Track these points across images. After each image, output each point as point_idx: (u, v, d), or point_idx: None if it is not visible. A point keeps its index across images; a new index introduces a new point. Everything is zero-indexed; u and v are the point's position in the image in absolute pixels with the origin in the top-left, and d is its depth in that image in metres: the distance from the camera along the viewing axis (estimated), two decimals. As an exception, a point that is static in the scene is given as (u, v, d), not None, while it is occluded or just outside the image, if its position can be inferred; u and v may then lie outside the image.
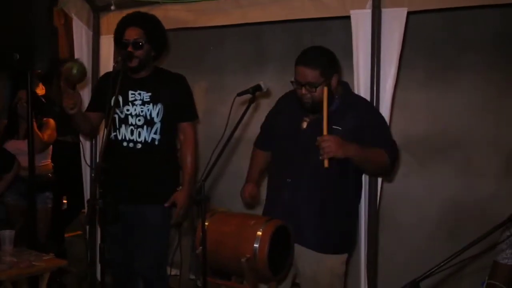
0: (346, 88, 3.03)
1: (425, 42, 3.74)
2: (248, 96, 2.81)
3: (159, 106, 3.36)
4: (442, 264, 2.04)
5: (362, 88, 3.13)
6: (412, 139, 3.81)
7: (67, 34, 5.45)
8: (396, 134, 3.59)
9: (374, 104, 3.05)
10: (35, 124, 4.48)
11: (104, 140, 2.88)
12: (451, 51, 3.69)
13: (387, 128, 3.01)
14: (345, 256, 3.01)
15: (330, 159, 2.65)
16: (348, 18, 3.21)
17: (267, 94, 3.32)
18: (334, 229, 2.92)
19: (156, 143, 3.38)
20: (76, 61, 3.17)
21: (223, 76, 4.72)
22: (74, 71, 3.04)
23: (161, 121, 3.38)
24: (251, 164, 3.32)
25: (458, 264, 2.10)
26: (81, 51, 4.34)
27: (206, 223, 2.56)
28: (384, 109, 3.06)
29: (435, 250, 3.45)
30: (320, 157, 2.65)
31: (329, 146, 2.63)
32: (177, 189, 3.44)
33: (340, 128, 2.83)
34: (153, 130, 3.37)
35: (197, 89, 4.88)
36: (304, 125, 2.97)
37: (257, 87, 2.84)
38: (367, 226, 3.15)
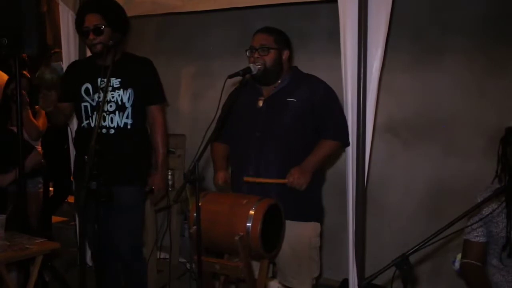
0: (296, 69, 3.28)
1: (411, 25, 3.81)
2: (238, 78, 2.90)
3: (130, 91, 3.41)
4: (429, 238, 2.12)
5: (349, 70, 3.18)
6: (397, 120, 3.90)
7: (50, 22, 5.43)
8: (382, 115, 3.71)
9: (361, 86, 3.11)
10: (30, 113, 4.51)
11: (95, 124, 2.92)
12: (436, 34, 3.76)
13: (337, 107, 3.18)
14: (318, 226, 3.18)
15: (292, 137, 3.01)
16: (335, 2, 3.26)
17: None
18: (302, 197, 3.04)
19: (129, 127, 3.43)
20: (50, 67, 3.18)
21: (210, 61, 4.75)
22: (47, 76, 3.08)
23: (132, 106, 3.42)
24: (214, 156, 3.39)
25: (444, 238, 2.19)
26: (68, 36, 4.33)
27: (199, 203, 2.60)
28: (371, 91, 3.12)
29: (419, 229, 3.54)
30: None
31: (298, 183, 2.97)
32: (151, 172, 3.51)
33: (295, 100, 3.07)
34: (125, 115, 3.42)
35: (185, 74, 4.93)
36: (260, 103, 3.14)
37: (248, 70, 2.96)
38: (354, 205, 3.21)
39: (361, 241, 3.19)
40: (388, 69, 3.45)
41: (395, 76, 3.79)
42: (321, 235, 3.20)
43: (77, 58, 4.28)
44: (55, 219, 5.63)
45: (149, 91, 3.49)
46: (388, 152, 3.92)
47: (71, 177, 3.87)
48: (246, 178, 3.03)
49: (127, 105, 3.41)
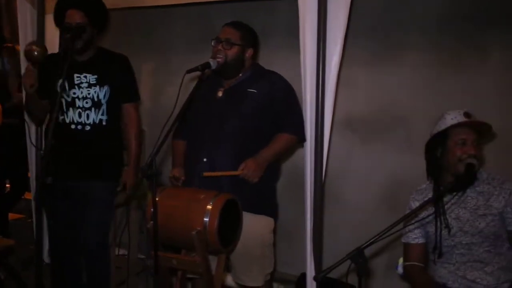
0: (258, 65, 3.32)
1: (370, 21, 3.84)
2: (197, 73, 2.90)
3: (106, 88, 3.40)
4: (383, 232, 2.17)
5: (308, 66, 3.18)
6: (355, 117, 3.94)
7: (9, 15, 5.33)
8: (341, 112, 3.73)
9: (320, 82, 3.13)
10: None
11: (52, 120, 2.90)
12: (395, 31, 3.80)
13: (295, 102, 3.21)
14: (271, 222, 3.20)
15: (249, 128, 3.05)
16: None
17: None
18: (256, 190, 3.06)
19: (104, 123, 3.43)
20: (37, 43, 3.15)
21: (170, 56, 4.72)
22: (35, 53, 3.05)
23: (107, 102, 3.42)
24: (174, 153, 3.39)
25: (397, 232, 2.23)
26: (26, 31, 4.23)
27: (157, 198, 2.60)
28: (329, 87, 3.13)
29: (377, 223, 3.53)
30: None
31: (252, 175, 2.99)
32: (123, 168, 3.51)
33: (255, 91, 3.11)
34: (100, 111, 3.42)
35: (144, 69, 4.89)
36: (220, 93, 3.17)
37: (206, 65, 2.98)
38: (312, 200, 3.22)
39: (318, 236, 3.21)
40: (347, 65, 3.47)
41: (354, 72, 3.82)
42: (276, 230, 3.22)
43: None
44: (12, 216, 5.53)
45: (125, 88, 3.50)
46: (347, 148, 3.96)
47: (29, 174, 3.83)
48: (205, 174, 3.02)
49: (103, 101, 3.41)
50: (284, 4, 3.94)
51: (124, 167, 3.55)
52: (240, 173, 2.98)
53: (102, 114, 3.42)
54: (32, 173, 4.34)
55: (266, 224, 3.17)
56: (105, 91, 3.40)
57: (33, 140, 4.16)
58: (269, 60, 3.63)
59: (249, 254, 3.09)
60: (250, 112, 3.09)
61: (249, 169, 2.98)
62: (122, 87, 3.47)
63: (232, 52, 3.10)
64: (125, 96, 3.52)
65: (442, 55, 3.64)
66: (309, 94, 3.16)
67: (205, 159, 3.08)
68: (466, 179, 2.49)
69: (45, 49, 3.25)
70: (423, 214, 2.67)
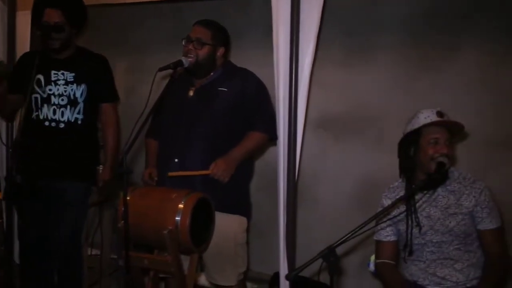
0: (229, 62, 3.32)
1: (343, 21, 3.85)
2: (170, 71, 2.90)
3: (83, 86, 3.39)
4: (354, 231, 2.19)
5: (281, 65, 3.17)
6: (329, 116, 3.94)
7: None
8: (314, 111, 3.74)
9: (293, 82, 3.13)
10: None
11: (22, 117, 2.86)
12: (368, 31, 3.81)
13: (267, 100, 3.22)
14: (244, 221, 3.20)
15: (220, 127, 3.05)
16: (269, -5, 3.27)
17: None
18: (228, 189, 3.05)
19: (79, 122, 3.41)
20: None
21: (143, 54, 4.69)
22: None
23: (84, 101, 3.40)
24: (147, 152, 3.39)
25: (370, 230, 2.24)
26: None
27: (128, 197, 2.57)
28: (302, 87, 3.13)
29: (350, 222, 3.55)
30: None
31: (222, 174, 2.98)
32: (98, 168, 3.48)
33: (226, 90, 3.11)
34: (76, 110, 3.39)
35: (117, 68, 4.82)
36: (191, 93, 3.16)
37: (179, 63, 2.98)
38: (285, 199, 3.22)
39: (291, 235, 3.21)
40: (320, 65, 3.49)
41: (327, 71, 3.83)
42: (249, 229, 3.23)
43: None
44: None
45: (103, 88, 3.49)
46: (320, 147, 3.97)
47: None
48: (170, 174, 3.01)
49: (80, 100, 3.39)
50: (258, 2, 3.94)
51: (99, 166, 3.52)
52: (209, 172, 2.97)
53: (78, 113, 3.39)
54: (1, 172, 4.28)
55: (239, 223, 3.17)
56: (82, 89, 3.38)
57: (3, 138, 4.10)
58: (243, 59, 3.61)
59: (222, 253, 3.08)
60: (221, 111, 3.08)
61: (218, 169, 2.97)
62: (100, 86, 3.46)
63: (203, 51, 3.09)
64: (103, 96, 3.50)
65: (414, 54, 3.67)
66: (282, 93, 3.15)
67: (176, 159, 3.07)
68: (437, 177, 2.51)
69: (6, 67, 3.23)
70: (395, 212, 2.69)
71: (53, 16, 3.27)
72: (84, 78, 3.39)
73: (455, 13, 3.55)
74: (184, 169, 3.03)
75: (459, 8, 3.54)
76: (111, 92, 3.57)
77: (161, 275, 3.11)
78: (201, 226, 2.81)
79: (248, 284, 3.94)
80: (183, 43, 3.12)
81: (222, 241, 3.05)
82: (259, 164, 3.83)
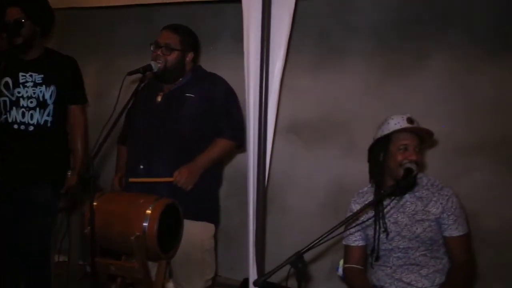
0: (199, 67, 3.28)
1: (314, 28, 3.86)
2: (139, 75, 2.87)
3: (52, 88, 3.34)
4: (322, 237, 2.17)
5: (252, 70, 3.18)
6: (299, 122, 3.95)
7: None
8: (284, 117, 3.74)
9: (263, 87, 3.12)
10: None
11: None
12: (339, 36, 3.84)
13: (235, 106, 3.18)
14: (211, 227, 3.17)
15: (187, 133, 3.02)
16: (240, 1, 3.25)
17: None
18: (195, 196, 3.03)
19: (49, 125, 3.36)
20: None
21: (115, 58, 4.65)
22: None
23: (54, 103, 3.36)
24: (118, 158, 3.37)
25: (338, 236, 2.24)
26: None
27: (95, 203, 2.55)
28: (273, 92, 3.13)
29: (320, 228, 3.55)
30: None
31: (185, 182, 2.95)
32: (68, 173, 3.42)
33: (193, 95, 3.07)
34: (46, 112, 3.35)
35: (87, 72, 4.77)
36: (159, 98, 3.13)
37: (148, 67, 2.95)
38: (255, 206, 3.21)
39: (261, 241, 3.20)
40: (291, 70, 3.50)
41: (298, 77, 3.84)
42: (217, 236, 3.21)
43: None
44: None
45: (72, 90, 3.44)
46: (291, 152, 3.97)
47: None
48: (131, 180, 2.98)
49: (49, 102, 3.34)
50: (230, 8, 3.92)
51: (69, 170, 3.46)
52: (171, 180, 2.94)
53: (48, 115, 3.35)
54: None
55: (206, 229, 3.14)
56: (52, 91, 3.34)
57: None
58: (215, 64, 3.61)
59: (189, 260, 3.05)
60: (188, 117, 3.05)
61: (182, 176, 2.95)
62: (69, 88, 3.42)
63: (172, 57, 3.06)
64: (72, 97, 3.46)
65: (385, 61, 3.70)
66: (253, 98, 3.16)
67: (141, 166, 3.04)
68: (405, 183, 2.51)
69: None
70: (364, 217, 2.69)
71: (13, 13, 3.25)
72: (53, 79, 3.35)
73: (425, 20, 3.59)
74: (149, 175, 3.00)
75: (429, 15, 3.58)
76: (80, 94, 3.52)
77: (128, 282, 3.07)
78: (169, 232, 2.78)
79: (218, 290, 3.92)
80: (152, 48, 3.09)
81: (189, 248, 3.01)
82: (229, 170, 3.82)
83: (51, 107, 3.35)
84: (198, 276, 3.10)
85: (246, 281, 3.46)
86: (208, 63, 3.46)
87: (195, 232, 3.03)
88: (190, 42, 3.16)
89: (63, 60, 3.46)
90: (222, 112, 3.10)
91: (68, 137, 3.52)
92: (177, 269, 3.11)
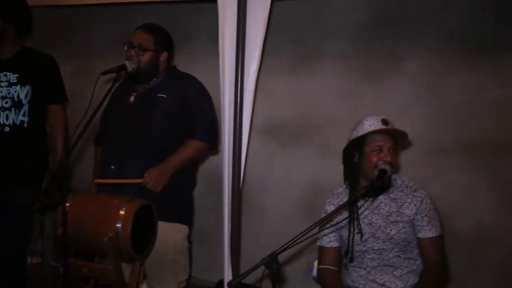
0: (174, 68, 3.26)
1: (290, 29, 3.88)
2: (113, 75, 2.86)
3: (28, 87, 3.27)
4: (296, 238, 2.17)
5: (227, 71, 3.17)
6: (275, 123, 3.97)
7: None
8: (260, 118, 3.74)
9: (239, 88, 3.12)
10: None
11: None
12: (315, 38, 3.85)
13: (208, 107, 3.16)
14: (185, 229, 3.15)
15: (159, 134, 3.00)
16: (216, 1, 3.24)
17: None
18: (168, 197, 3.01)
19: (25, 125, 3.29)
20: None
21: (91, 58, 4.61)
22: None
23: (30, 103, 3.29)
24: (95, 161, 3.34)
25: (313, 237, 2.24)
26: None
27: (68, 204, 2.52)
28: (248, 93, 3.13)
29: (296, 229, 3.57)
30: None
31: (154, 184, 2.93)
32: (47, 173, 3.37)
33: (165, 96, 3.05)
34: (21, 112, 3.28)
35: (63, 71, 4.72)
36: (132, 98, 3.11)
37: (122, 67, 2.94)
38: (230, 207, 3.20)
39: (236, 242, 3.20)
40: (267, 72, 3.50)
41: (274, 78, 3.86)
42: (190, 237, 3.20)
43: None
44: None
45: (49, 89, 3.36)
46: (266, 154, 3.98)
47: None
48: (96, 181, 2.95)
49: (24, 102, 3.27)
50: (207, 8, 3.91)
51: (48, 171, 3.39)
52: (140, 181, 2.92)
53: (24, 115, 3.28)
54: None
55: (179, 231, 3.12)
56: (27, 91, 3.27)
57: None
58: (191, 65, 3.60)
59: (162, 261, 3.04)
60: (160, 117, 3.03)
61: (151, 178, 2.93)
62: (47, 87, 3.35)
63: (145, 58, 3.05)
64: (50, 97, 3.38)
65: (361, 63, 3.72)
66: (228, 99, 3.15)
67: (113, 167, 3.02)
68: (379, 184, 2.52)
69: None
70: (338, 218, 2.69)
71: None
72: (28, 78, 3.28)
73: (400, 23, 3.62)
74: (120, 176, 2.98)
75: (404, 18, 3.61)
76: (58, 93, 3.45)
77: (102, 284, 3.04)
78: (143, 233, 2.76)
79: (193, 292, 3.91)
80: (125, 48, 3.07)
81: (162, 249, 2.99)
82: (204, 170, 3.82)
83: (26, 107, 3.28)
84: (171, 278, 3.09)
85: (221, 282, 3.45)
86: (186, 63, 3.45)
87: (167, 233, 3.01)
88: (164, 42, 3.15)
89: (40, 59, 3.39)
90: (195, 113, 3.08)
91: (47, 138, 3.47)
92: (150, 271, 3.09)
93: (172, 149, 3.04)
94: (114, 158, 3.03)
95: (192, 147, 3.07)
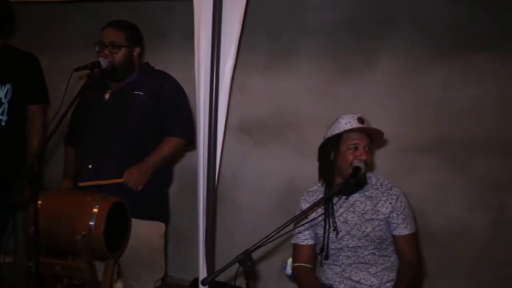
0: (147, 64, 3.25)
1: (266, 26, 3.88)
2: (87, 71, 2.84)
3: (8, 86, 3.23)
4: (270, 235, 2.17)
5: (202, 69, 3.16)
6: (250, 120, 3.97)
7: None
8: (235, 116, 3.73)
9: (214, 85, 3.10)
10: None
11: None
12: (290, 37, 3.85)
13: (184, 104, 3.18)
14: (162, 226, 3.15)
15: (136, 132, 2.99)
16: (192, -1, 3.24)
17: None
18: (145, 195, 3.01)
19: (3, 124, 3.24)
20: None
21: (64, 55, 4.56)
22: None
23: (9, 102, 3.24)
24: (65, 160, 3.30)
25: (287, 234, 2.24)
26: None
27: (40, 202, 2.49)
28: (223, 90, 3.12)
29: (271, 227, 3.58)
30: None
31: (135, 183, 2.94)
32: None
33: (142, 93, 3.04)
34: (0, 111, 3.23)
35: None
36: (107, 96, 3.09)
37: (96, 63, 2.91)
38: (205, 204, 3.19)
39: (211, 240, 3.18)
40: (242, 69, 3.50)
41: (250, 76, 3.86)
42: (167, 235, 3.19)
43: None
44: None
45: (30, 88, 3.31)
46: (242, 152, 3.98)
47: None
48: (80, 184, 2.93)
49: (4, 101, 3.22)
50: (181, 4, 3.89)
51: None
52: (121, 181, 2.91)
53: (2, 114, 3.23)
54: None
55: (156, 228, 3.12)
56: (7, 89, 3.22)
57: None
58: (166, 62, 3.58)
59: (139, 260, 3.02)
60: (138, 115, 3.02)
61: (132, 177, 2.92)
62: (28, 87, 3.30)
63: (120, 55, 3.02)
64: (30, 96, 3.34)
65: (336, 60, 3.73)
66: (203, 96, 3.13)
67: (90, 166, 2.99)
68: (353, 182, 2.53)
69: None
70: (313, 215, 2.69)
71: None
72: (8, 77, 3.23)
73: (376, 21, 3.63)
74: (98, 175, 2.96)
75: (380, 16, 3.62)
76: (39, 93, 3.39)
77: (76, 283, 3.01)
78: (116, 231, 2.74)
79: (168, 291, 3.89)
80: (97, 48, 3.04)
81: (138, 247, 2.98)
82: (181, 168, 3.79)
83: (5, 106, 3.23)
84: (148, 276, 3.09)
85: (196, 280, 3.44)
86: (161, 61, 3.42)
87: (144, 231, 3.01)
88: (135, 36, 3.13)
89: (22, 58, 3.35)
90: (171, 110, 3.08)
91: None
92: (127, 269, 3.08)
93: (149, 147, 3.03)
94: (91, 157, 3.00)
95: (170, 144, 3.07)
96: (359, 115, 2.67)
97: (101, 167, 2.98)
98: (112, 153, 2.98)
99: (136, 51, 3.12)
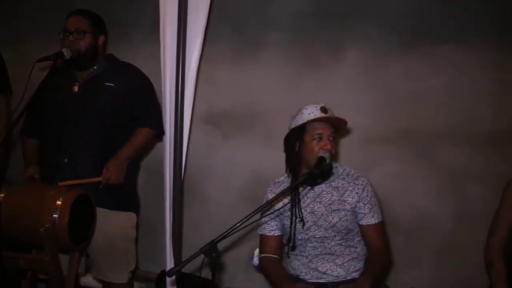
0: (111, 56, 3.23)
1: (232, 18, 3.86)
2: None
3: None
4: (235, 226, 2.17)
5: (168, 60, 3.15)
6: (217, 112, 3.95)
7: None
8: (202, 107, 3.72)
9: (180, 76, 3.09)
10: None
11: None
12: (257, 28, 3.84)
13: (152, 95, 3.19)
14: (133, 216, 3.15)
15: (108, 123, 2.97)
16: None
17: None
18: (116, 186, 2.99)
19: None
20: None
21: (27, 46, 4.46)
22: None
23: None
24: (25, 151, 3.26)
25: (254, 224, 2.24)
26: None
27: (2, 194, 2.46)
28: (189, 82, 3.12)
29: (238, 218, 3.57)
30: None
31: (116, 178, 2.94)
32: None
33: (112, 85, 3.02)
34: None
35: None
36: (75, 88, 3.05)
37: (60, 54, 2.87)
38: (171, 197, 3.19)
39: (178, 232, 3.18)
40: (208, 61, 3.48)
41: (216, 68, 3.83)
42: (137, 226, 3.17)
43: None
44: None
45: None
46: (209, 144, 3.96)
47: None
48: (60, 183, 2.88)
49: None
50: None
51: None
52: (100, 179, 2.90)
53: None
54: None
55: (128, 218, 3.13)
56: None
57: None
58: (132, 54, 3.56)
59: (114, 250, 3.03)
60: (109, 107, 3.00)
61: (111, 173, 2.92)
62: None
63: (85, 41, 3.00)
64: None
65: (303, 53, 3.73)
66: (169, 88, 3.13)
67: (66, 160, 2.96)
68: (317, 172, 2.53)
69: None
70: (278, 205, 2.70)
71: None
72: None
73: (341, 13, 3.64)
74: (75, 169, 2.94)
75: (345, 7, 3.63)
76: (1, 84, 3.39)
77: (41, 276, 2.97)
78: (81, 224, 2.72)
79: (136, 284, 3.86)
80: (61, 37, 3.01)
81: (113, 238, 2.99)
82: (148, 158, 3.77)
83: None
84: (123, 266, 3.10)
85: (163, 273, 3.43)
86: (127, 53, 3.40)
87: (119, 222, 3.03)
88: (99, 24, 3.12)
89: None
90: (141, 102, 3.08)
91: None
92: (102, 261, 3.06)
93: (121, 138, 3.03)
94: (65, 151, 2.97)
95: (142, 135, 3.08)
96: (322, 104, 2.68)
97: (77, 161, 2.96)
98: (87, 146, 2.96)
99: (101, 39, 3.10)
